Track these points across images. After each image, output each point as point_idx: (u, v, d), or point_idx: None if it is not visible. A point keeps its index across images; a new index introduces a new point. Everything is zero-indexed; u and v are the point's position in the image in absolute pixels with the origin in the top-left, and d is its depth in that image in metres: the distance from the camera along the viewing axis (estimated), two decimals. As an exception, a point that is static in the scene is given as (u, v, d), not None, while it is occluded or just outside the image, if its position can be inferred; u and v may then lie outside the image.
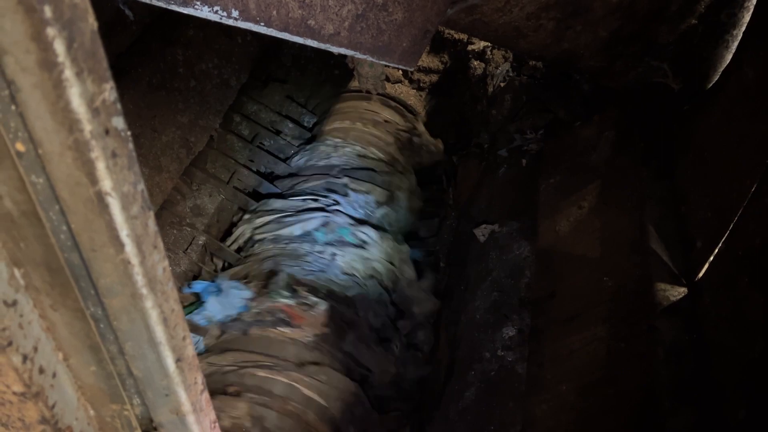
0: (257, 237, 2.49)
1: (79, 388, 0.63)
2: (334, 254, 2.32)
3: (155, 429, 0.71)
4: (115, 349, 0.62)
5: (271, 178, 2.80)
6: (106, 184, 0.48)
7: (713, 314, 1.47)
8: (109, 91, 0.46)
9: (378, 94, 2.82)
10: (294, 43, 3.20)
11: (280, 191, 2.69)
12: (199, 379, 0.71)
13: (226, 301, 2.12)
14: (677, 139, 1.94)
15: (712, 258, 1.55)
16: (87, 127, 0.45)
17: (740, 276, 1.39)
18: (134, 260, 0.54)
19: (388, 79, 2.92)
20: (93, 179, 0.47)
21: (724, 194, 1.58)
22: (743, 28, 1.70)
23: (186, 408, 0.69)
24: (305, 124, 3.02)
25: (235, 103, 2.85)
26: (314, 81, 3.17)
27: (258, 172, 2.79)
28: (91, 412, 0.66)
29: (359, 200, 2.52)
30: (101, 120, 0.46)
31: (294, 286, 2.16)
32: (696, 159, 1.80)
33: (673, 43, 1.70)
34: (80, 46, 0.43)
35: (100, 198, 0.49)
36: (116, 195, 0.49)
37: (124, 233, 0.52)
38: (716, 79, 1.79)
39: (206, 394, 0.73)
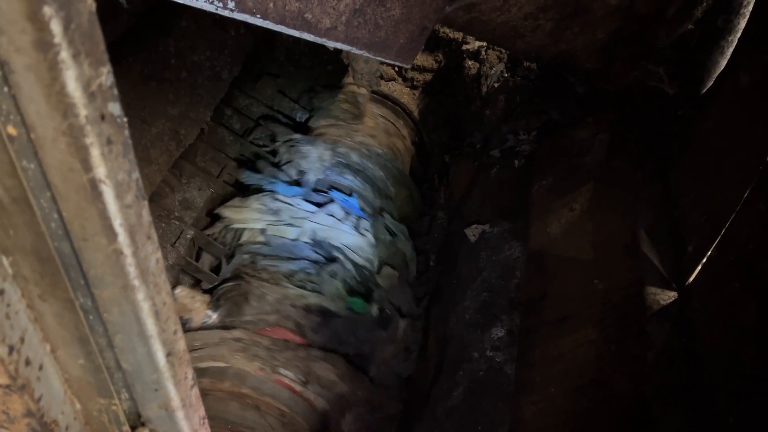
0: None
1: (66, 381, 0.62)
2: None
3: (143, 424, 0.69)
4: (105, 342, 0.61)
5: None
6: (100, 171, 0.46)
7: (704, 319, 1.47)
8: (106, 76, 0.44)
9: (372, 91, 2.80)
10: (288, 38, 3.18)
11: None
12: (190, 374, 0.69)
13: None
14: (671, 142, 1.94)
15: (704, 262, 1.55)
16: (82, 111, 0.43)
17: (732, 281, 1.40)
18: (127, 251, 0.52)
19: (381, 77, 2.90)
20: (87, 166, 0.46)
21: (717, 199, 1.58)
22: (739, 35, 1.70)
23: (175, 403, 0.67)
24: (297, 120, 3.00)
25: (226, 97, 2.82)
26: (307, 76, 3.15)
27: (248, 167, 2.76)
28: (78, 406, 0.64)
29: (338, 197, 2.50)
30: (97, 105, 0.44)
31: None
32: (690, 163, 1.80)
33: (669, 47, 1.70)
34: (77, 28, 0.41)
35: (94, 185, 0.47)
36: (110, 183, 0.48)
37: (117, 222, 0.50)
38: (711, 84, 1.79)
39: (196, 390, 0.72)
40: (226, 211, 2.47)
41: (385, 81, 2.95)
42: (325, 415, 1.92)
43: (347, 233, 2.34)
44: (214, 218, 2.56)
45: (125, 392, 0.67)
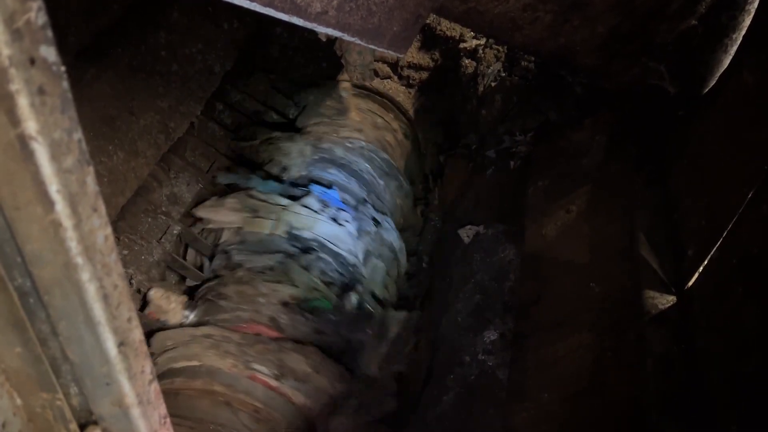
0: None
1: (3, 372, 0.55)
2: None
3: (95, 422, 0.62)
4: (48, 329, 0.54)
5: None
6: (30, 125, 0.40)
7: (705, 324, 1.41)
8: (37, 12, 0.38)
9: (356, 86, 2.75)
10: (282, 33, 3.13)
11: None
12: (148, 367, 0.63)
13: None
14: (671, 144, 1.89)
15: (704, 266, 1.49)
16: (4, 51, 0.37)
17: (734, 285, 1.34)
18: (67, 222, 0.46)
19: (376, 74, 2.85)
20: (13, 119, 0.39)
21: (719, 201, 1.53)
22: (743, 32, 1.65)
23: (130, 400, 0.61)
24: (290, 116, 2.93)
25: (218, 91, 2.76)
26: (301, 72, 3.09)
27: (243, 157, 2.70)
28: (18, 401, 0.57)
29: (317, 191, 2.44)
30: (24, 46, 0.38)
31: None
32: (690, 165, 1.75)
33: (671, 43, 1.64)
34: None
35: (24, 143, 0.41)
36: (44, 141, 0.41)
37: (53, 188, 0.44)
38: (713, 83, 1.74)
39: (155, 385, 0.65)
40: (202, 212, 2.42)
41: (381, 79, 2.89)
42: (308, 411, 1.86)
43: (324, 223, 2.28)
44: (196, 219, 2.50)
45: (74, 386, 0.60)
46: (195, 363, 1.83)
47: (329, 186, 2.43)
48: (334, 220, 2.30)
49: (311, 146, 2.54)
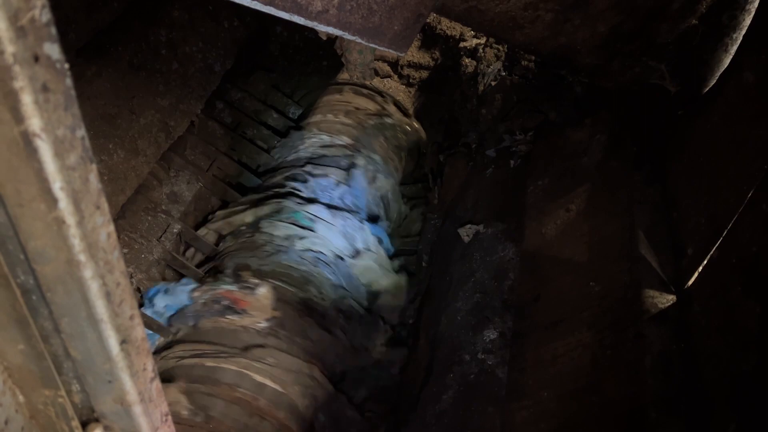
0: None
1: (6, 369, 0.55)
2: (293, 239, 2.26)
3: (96, 420, 0.62)
4: (50, 326, 0.54)
5: (251, 169, 2.72)
6: (34, 122, 0.40)
7: (704, 323, 1.41)
8: (41, 10, 0.38)
9: (350, 83, 2.77)
10: (282, 32, 3.13)
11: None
12: (149, 365, 0.63)
13: (173, 297, 2.05)
14: (671, 143, 1.89)
15: (704, 265, 1.49)
16: (8, 48, 0.37)
17: (734, 284, 1.34)
18: (70, 219, 0.46)
19: (377, 73, 2.85)
20: (18, 116, 0.40)
21: (718, 200, 1.53)
22: (743, 32, 1.65)
23: (132, 397, 0.61)
24: (290, 115, 2.94)
25: (218, 90, 2.76)
26: (302, 71, 3.09)
27: (239, 162, 2.70)
28: (21, 398, 0.57)
29: (319, 184, 2.46)
30: (28, 43, 0.38)
31: (239, 272, 2.10)
32: (690, 164, 1.75)
33: (672, 43, 1.65)
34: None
35: (27, 140, 0.41)
36: (47, 138, 0.42)
37: (56, 186, 0.44)
38: (713, 83, 1.74)
39: (157, 383, 0.65)
40: (213, 226, 2.46)
41: (381, 78, 2.89)
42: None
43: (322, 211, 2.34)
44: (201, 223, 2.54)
45: (76, 384, 0.61)
46: None
47: (316, 181, 2.49)
48: (312, 213, 2.34)
49: (304, 146, 2.60)
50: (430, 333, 2.10)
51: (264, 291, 2.02)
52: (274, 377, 1.84)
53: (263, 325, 1.95)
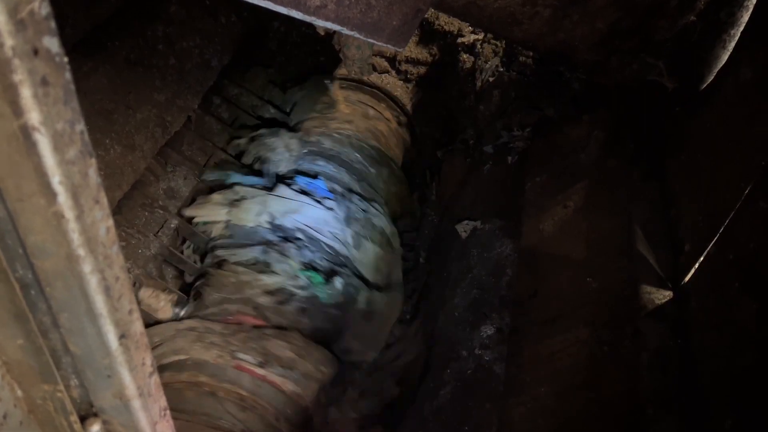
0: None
1: (5, 364, 0.55)
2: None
3: (95, 414, 0.62)
4: (49, 321, 0.54)
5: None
6: (33, 116, 0.40)
7: (701, 320, 1.42)
8: (40, 3, 0.38)
9: (347, 79, 2.75)
10: (280, 27, 3.12)
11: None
12: (148, 360, 0.63)
13: None
14: (668, 140, 1.89)
15: (701, 261, 1.50)
16: (8, 41, 0.37)
17: (731, 281, 1.34)
18: (69, 214, 0.46)
19: (375, 69, 2.84)
20: (17, 109, 0.39)
21: (716, 197, 1.53)
22: (741, 28, 1.65)
23: (131, 392, 0.61)
24: (287, 111, 2.93)
25: (215, 85, 2.75)
26: (299, 68, 3.08)
27: (236, 157, 2.70)
28: (19, 393, 0.57)
29: (303, 182, 2.45)
30: (28, 36, 0.38)
31: None
32: (688, 161, 1.75)
33: (670, 40, 1.65)
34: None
35: (27, 134, 0.41)
36: (47, 132, 0.41)
37: (56, 180, 0.44)
38: (711, 79, 1.74)
39: (156, 378, 0.65)
40: (189, 211, 2.44)
41: (378, 73, 2.88)
42: (298, 399, 1.87)
43: (309, 207, 2.30)
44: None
45: (75, 378, 0.60)
46: (182, 357, 1.84)
47: (314, 176, 2.45)
48: (319, 202, 2.32)
49: (297, 140, 2.57)
50: (427, 328, 2.10)
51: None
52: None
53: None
